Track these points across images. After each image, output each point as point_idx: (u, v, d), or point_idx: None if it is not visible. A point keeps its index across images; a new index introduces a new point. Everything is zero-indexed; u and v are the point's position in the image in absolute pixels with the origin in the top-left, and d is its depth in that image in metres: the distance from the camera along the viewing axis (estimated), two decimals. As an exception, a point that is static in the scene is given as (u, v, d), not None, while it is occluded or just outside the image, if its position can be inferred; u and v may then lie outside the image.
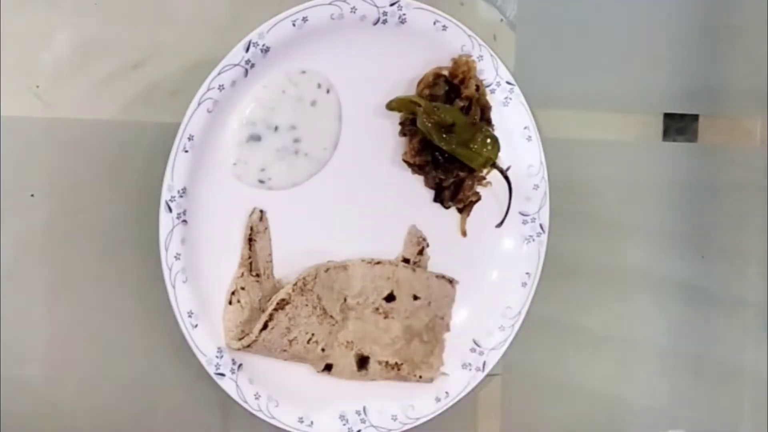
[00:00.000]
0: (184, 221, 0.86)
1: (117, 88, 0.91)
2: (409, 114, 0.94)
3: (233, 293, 0.91)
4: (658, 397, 1.12)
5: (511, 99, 0.96)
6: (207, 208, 0.88)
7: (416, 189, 0.97)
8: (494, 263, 0.99)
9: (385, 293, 0.96)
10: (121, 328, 0.92)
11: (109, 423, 0.92)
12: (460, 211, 0.98)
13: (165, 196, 0.85)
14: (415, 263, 0.97)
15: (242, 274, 0.91)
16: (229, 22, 0.93)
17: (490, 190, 0.98)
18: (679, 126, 1.12)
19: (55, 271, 0.90)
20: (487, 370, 0.99)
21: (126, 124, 0.91)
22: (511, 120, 0.97)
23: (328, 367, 0.94)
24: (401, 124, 0.94)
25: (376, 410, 0.95)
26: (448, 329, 0.99)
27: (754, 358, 1.15)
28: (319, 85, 0.91)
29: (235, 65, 0.85)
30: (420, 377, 0.97)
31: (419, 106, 0.92)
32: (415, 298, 0.97)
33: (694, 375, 1.13)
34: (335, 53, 0.91)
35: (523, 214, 0.99)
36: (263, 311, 0.90)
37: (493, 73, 0.95)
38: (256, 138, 0.89)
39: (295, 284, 0.91)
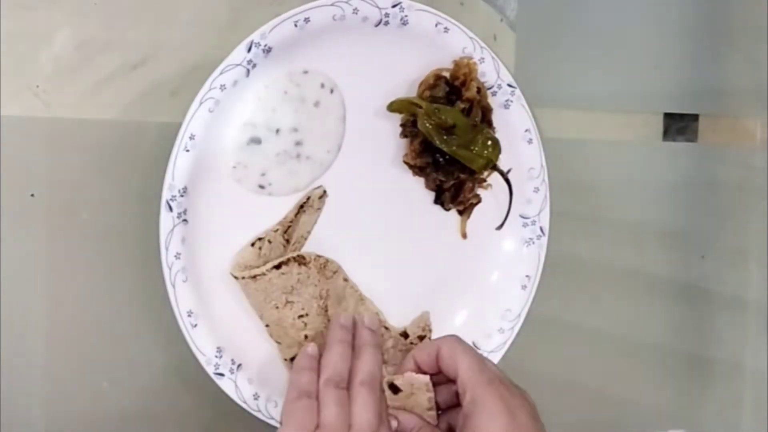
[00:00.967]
0: (185, 221, 0.86)
1: (117, 88, 0.90)
2: (409, 116, 0.93)
3: (260, 239, 0.90)
4: (658, 396, 1.13)
5: (512, 101, 0.96)
6: (208, 207, 0.88)
7: (417, 191, 0.96)
8: (494, 265, 0.99)
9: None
10: (121, 328, 0.92)
11: (108, 423, 0.92)
12: (460, 213, 0.98)
13: (166, 195, 0.84)
14: (411, 343, 0.97)
15: (277, 230, 0.91)
16: (230, 23, 0.93)
17: (491, 192, 0.98)
18: (679, 126, 1.12)
19: (55, 271, 0.90)
20: (487, 372, 0.99)
21: (126, 124, 0.91)
22: (512, 122, 0.97)
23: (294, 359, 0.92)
24: (402, 125, 0.94)
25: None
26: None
27: (754, 358, 1.16)
28: (322, 85, 0.91)
29: (237, 65, 0.85)
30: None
31: (420, 107, 0.92)
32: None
33: (694, 375, 1.13)
34: (337, 54, 0.91)
35: (523, 217, 0.99)
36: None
37: (495, 76, 0.95)
38: (256, 141, 0.89)
39: (318, 257, 0.91)
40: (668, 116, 1.11)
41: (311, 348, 0.88)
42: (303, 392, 0.83)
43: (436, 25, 0.92)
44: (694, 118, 1.12)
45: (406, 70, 0.94)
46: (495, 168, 0.95)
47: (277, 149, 0.90)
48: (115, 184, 0.91)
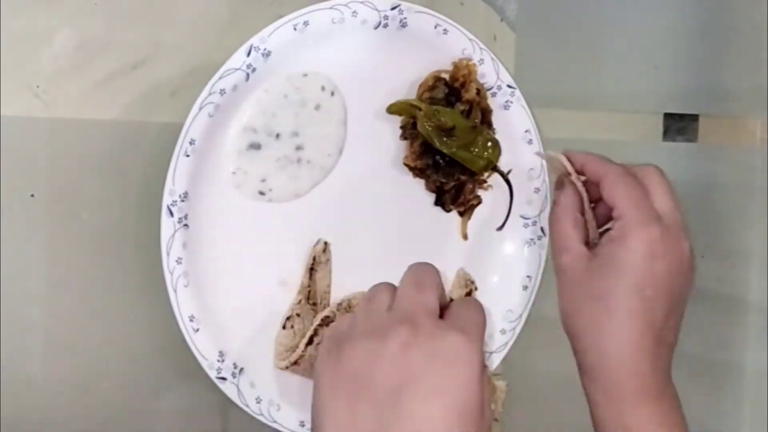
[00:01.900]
0: (186, 225, 0.86)
1: (117, 88, 0.90)
2: (409, 118, 0.93)
3: (288, 318, 0.91)
4: (657, 396, 1.12)
5: (512, 102, 0.96)
6: (209, 212, 0.87)
7: (417, 193, 0.96)
8: (495, 266, 0.99)
9: None
10: (122, 332, 0.92)
11: (110, 427, 0.92)
12: (461, 214, 0.98)
13: (166, 200, 0.84)
14: None
15: (300, 301, 0.91)
16: (230, 23, 0.93)
17: (491, 193, 0.97)
18: (679, 126, 1.12)
19: (55, 272, 0.90)
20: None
21: (126, 124, 0.91)
22: (512, 123, 0.96)
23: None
24: (402, 127, 0.94)
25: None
26: None
27: (754, 358, 1.16)
28: (323, 88, 0.91)
29: (237, 69, 0.85)
30: None
31: (419, 109, 0.92)
32: None
33: (694, 375, 1.13)
34: (337, 57, 0.91)
35: (524, 218, 0.99)
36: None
37: (494, 77, 0.95)
38: (256, 146, 0.89)
39: (340, 304, 0.92)
40: (668, 116, 1.11)
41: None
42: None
43: (435, 27, 0.92)
44: (694, 118, 1.12)
45: (405, 72, 0.94)
46: (495, 169, 0.95)
47: (277, 154, 0.90)
48: (115, 184, 0.91)
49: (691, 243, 0.83)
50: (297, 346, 0.90)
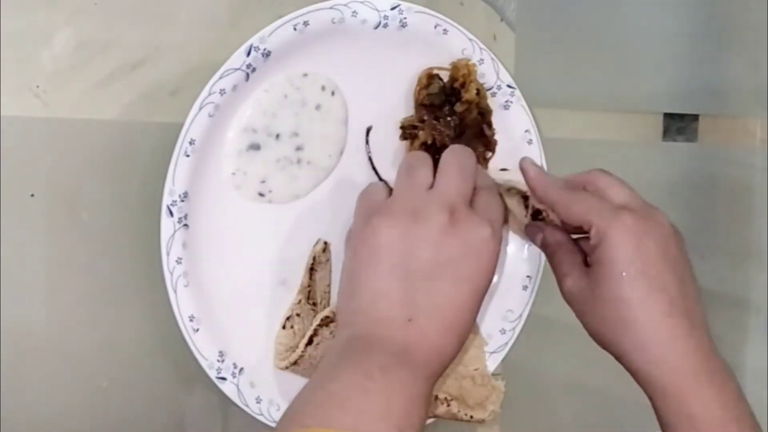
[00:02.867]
0: (186, 225, 0.86)
1: (117, 88, 0.90)
2: (409, 118, 0.94)
3: (288, 318, 0.91)
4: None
5: (512, 102, 0.96)
6: (209, 213, 0.88)
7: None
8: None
9: None
10: (122, 332, 0.91)
11: (110, 427, 0.92)
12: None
13: (166, 200, 0.84)
14: None
15: (300, 301, 0.92)
16: (230, 23, 0.93)
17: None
18: (679, 126, 1.12)
19: (55, 272, 0.90)
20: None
21: (126, 124, 0.90)
22: (512, 123, 0.97)
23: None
24: (402, 128, 0.94)
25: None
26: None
27: (754, 358, 1.16)
28: (323, 88, 0.91)
29: (237, 69, 0.85)
30: (471, 417, 0.96)
31: (421, 129, 0.93)
32: None
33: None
34: (337, 57, 0.91)
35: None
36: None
37: (494, 77, 0.95)
38: (255, 147, 0.89)
39: None
40: (668, 116, 1.11)
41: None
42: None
43: (435, 27, 0.92)
44: (694, 118, 1.12)
45: (406, 72, 0.94)
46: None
47: (277, 155, 0.90)
48: (115, 184, 0.90)
49: (662, 212, 0.85)
50: (297, 346, 0.90)
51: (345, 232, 0.90)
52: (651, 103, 1.11)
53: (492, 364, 0.99)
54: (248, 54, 0.85)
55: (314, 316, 0.92)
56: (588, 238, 0.84)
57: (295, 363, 0.90)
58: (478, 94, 0.94)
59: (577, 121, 1.07)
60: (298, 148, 0.90)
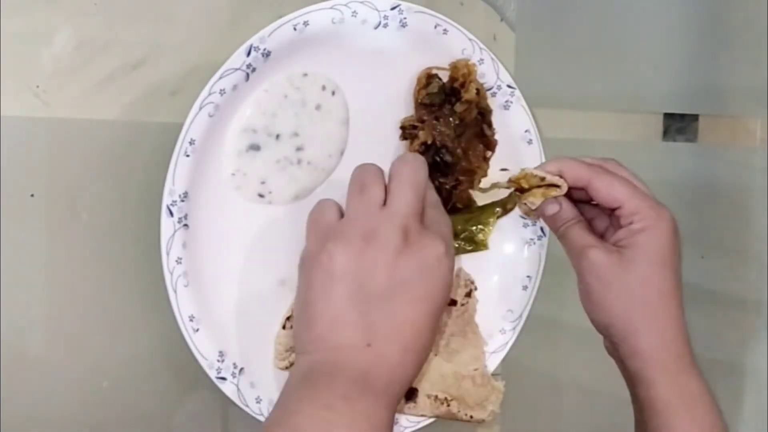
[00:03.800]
0: (186, 225, 0.86)
1: (117, 88, 0.90)
2: (410, 118, 0.94)
3: (288, 318, 0.91)
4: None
5: (511, 102, 0.96)
6: (209, 213, 0.88)
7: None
8: (495, 267, 0.99)
9: None
10: (122, 332, 0.92)
11: (110, 427, 0.92)
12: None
13: (166, 200, 0.84)
14: (462, 305, 0.97)
15: None
16: (230, 23, 0.93)
17: (493, 193, 0.98)
18: (679, 126, 1.12)
19: (55, 271, 0.90)
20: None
21: (126, 124, 0.90)
22: (512, 123, 0.97)
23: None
24: (402, 128, 0.94)
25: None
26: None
27: (754, 358, 1.16)
28: (323, 88, 0.91)
29: (237, 69, 0.85)
30: (471, 417, 0.96)
31: (422, 129, 0.93)
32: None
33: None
34: (337, 57, 0.91)
35: (524, 218, 0.99)
36: None
37: (494, 77, 0.95)
38: (255, 147, 0.89)
39: None
40: (668, 116, 1.11)
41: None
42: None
43: (435, 27, 0.92)
44: (694, 118, 1.12)
45: (406, 72, 0.94)
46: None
47: (277, 156, 0.90)
48: (116, 184, 0.91)
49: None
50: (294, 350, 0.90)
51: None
52: (651, 103, 1.11)
53: (492, 364, 0.99)
54: (248, 54, 0.85)
55: None
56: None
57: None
58: (477, 94, 0.94)
59: (577, 121, 1.07)
60: (299, 149, 0.90)
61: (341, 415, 0.73)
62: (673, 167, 1.12)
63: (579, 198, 0.92)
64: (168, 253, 0.85)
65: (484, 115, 0.95)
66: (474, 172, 0.95)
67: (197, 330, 0.87)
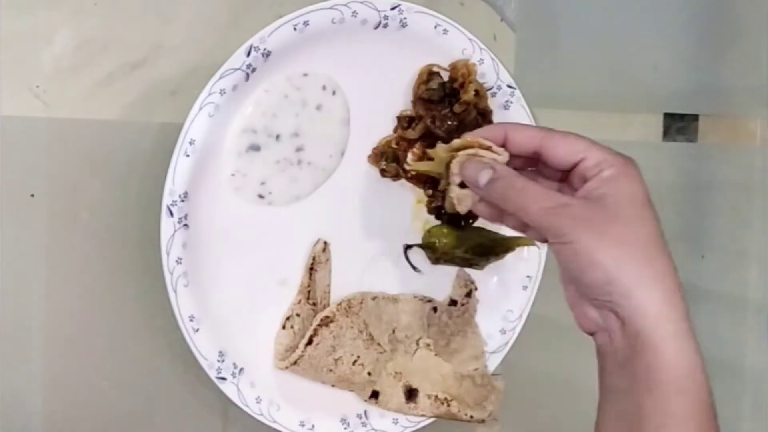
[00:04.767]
0: (186, 225, 0.86)
1: (117, 88, 0.90)
2: (407, 111, 0.94)
3: (288, 318, 0.92)
4: (657, 396, 1.13)
5: (512, 102, 0.96)
6: (209, 213, 0.88)
7: (419, 193, 0.96)
8: (495, 267, 0.99)
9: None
10: (122, 332, 0.92)
11: (110, 427, 0.92)
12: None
13: (166, 200, 0.84)
14: (462, 305, 0.97)
15: (299, 301, 0.92)
16: (230, 23, 0.93)
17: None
18: (679, 126, 1.12)
19: (55, 271, 0.90)
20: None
21: (126, 124, 0.90)
22: (512, 123, 0.97)
23: (375, 395, 0.95)
24: (398, 118, 0.95)
25: (378, 414, 0.95)
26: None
27: (754, 358, 1.16)
28: (324, 87, 0.91)
29: (237, 69, 0.85)
30: (471, 417, 0.96)
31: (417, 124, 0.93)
32: None
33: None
34: (337, 58, 0.91)
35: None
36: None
37: (494, 77, 0.95)
38: (255, 148, 0.89)
39: (340, 304, 0.93)
40: (668, 116, 1.11)
41: None
42: None
43: (435, 27, 0.92)
44: (694, 118, 1.12)
45: (406, 72, 0.94)
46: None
47: (277, 156, 0.90)
48: (115, 184, 0.91)
49: None
50: (297, 346, 0.90)
51: (345, 232, 0.90)
52: (651, 103, 1.11)
53: (492, 364, 0.99)
54: (248, 54, 0.85)
55: (314, 316, 0.92)
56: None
57: (295, 363, 0.90)
58: (477, 94, 0.94)
59: (577, 121, 1.07)
60: (299, 149, 0.90)
61: None
62: (673, 167, 1.12)
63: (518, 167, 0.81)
64: (168, 253, 0.85)
65: (484, 115, 0.95)
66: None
67: (197, 330, 0.87)
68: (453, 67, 0.94)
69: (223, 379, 0.88)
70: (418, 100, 0.94)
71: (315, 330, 0.90)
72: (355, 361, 0.93)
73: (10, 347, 0.88)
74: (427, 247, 0.94)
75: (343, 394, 0.95)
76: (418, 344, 0.97)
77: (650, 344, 0.74)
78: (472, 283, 0.98)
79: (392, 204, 0.96)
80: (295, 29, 0.86)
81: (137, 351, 0.92)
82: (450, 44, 0.93)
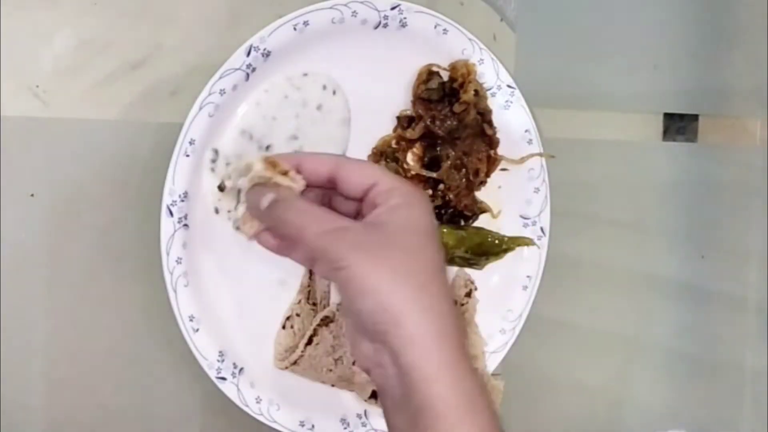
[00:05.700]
0: (186, 225, 0.86)
1: (117, 88, 0.90)
2: (407, 110, 0.94)
3: (288, 318, 0.92)
4: (658, 396, 1.13)
5: (511, 102, 0.96)
6: (208, 212, 0.88)
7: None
8: (495, 267, 0.99)
9: None
10: (122, 332, 0.91)
11: (110, 427, 0.92)
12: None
13: (166, 200, 0.84)
14: (462, 305, 0.97)
15: (300, 301, 0.92)
16: (230, 23, 0.93)
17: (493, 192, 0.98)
18: (679, 126, 1.12)
19: (55, 271, 0.90)
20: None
21: (126, 124, 0.90)
22: (512, 123, 0.97)
23: (374, 395, 0.94)
24: (398, 118, 0.95)
25: (378, 414, 0.95)
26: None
27: (754, 358, 1.16)
28: (324, 87, 0.91)
29: (236, 69, 0.85)
30: None
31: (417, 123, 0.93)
32: None
33: (694, 375, 1.13)
34: (337, 57, 0.91)
35: (523, 218, 0.99)
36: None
37: (494, 77, 0.95)
38: (255, 148, 0.89)
39: (340, 304, 0.92)
40: (668, 116, 1.11)
41: None
42: None
43: (435, 27, 0.93)
44: (694, 118, 1.12)
45: (406, 72, 0.94)
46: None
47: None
48: (115, 184, 0.91)
49: None
50: (297, 346, 0.90)
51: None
52: (651, 103, 1.11)
53: (492, 364, 0.99)
54: (248, 54, 0.85)
55: (314, 316, 0.92)
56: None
57: (295, 363, 0.90)
58: (477, 94, 0.94)
59: (577, 121, 1.07)
60: (299, 149, 0.90)
61: None
62: (673, 167, 1.12)
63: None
64: (168, 253, 0.85)
65: (483, 114, 0.95)
66: (476, 174, 0.95)
67: (197, 330, 0.87)
68: (453, 67, 0.94)
69: (223, 379, 0.88)
70: (418, 99, 0.94)
71: (315, 330, 0.90)
72: (355, 361, 0.93)
73: (11, 347, 0.88)
74: None
75: (343, 394, 0.95)
76: None
77: (423, 377, 0.69)
78: (472, 283, 0.98)
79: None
80: (295, 29, 0.86)
81: (137, 351, 0.92)
82: (450, 44, 0.93)
